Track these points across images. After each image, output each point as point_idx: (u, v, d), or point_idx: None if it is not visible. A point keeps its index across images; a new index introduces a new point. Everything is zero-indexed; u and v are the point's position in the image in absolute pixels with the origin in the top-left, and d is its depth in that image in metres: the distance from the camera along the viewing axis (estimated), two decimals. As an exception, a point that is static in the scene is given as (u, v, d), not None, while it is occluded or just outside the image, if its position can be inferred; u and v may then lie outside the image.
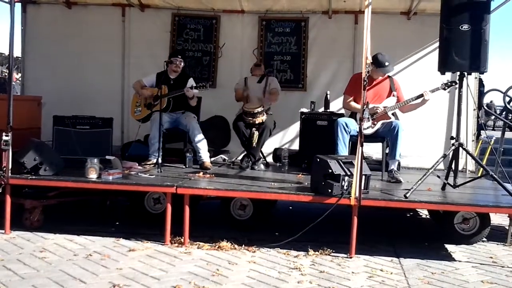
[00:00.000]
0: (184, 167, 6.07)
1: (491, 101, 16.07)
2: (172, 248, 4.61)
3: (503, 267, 4.48)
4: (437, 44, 5.14)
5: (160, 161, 5.69)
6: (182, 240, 4.71)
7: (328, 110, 6.61)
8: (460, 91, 5.01)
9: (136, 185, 4.90)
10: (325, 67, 7.35)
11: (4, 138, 4.72)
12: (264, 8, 7.38)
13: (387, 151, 5.78)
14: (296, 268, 4.18)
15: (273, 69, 7.44)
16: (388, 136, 5.68)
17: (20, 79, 8.59)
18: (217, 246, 4.63)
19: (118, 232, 5.00)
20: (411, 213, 6.53)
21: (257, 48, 7.45)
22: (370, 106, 5.38)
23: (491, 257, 4.75)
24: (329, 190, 4.50)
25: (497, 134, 7.65)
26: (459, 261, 4.60)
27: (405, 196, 4.58)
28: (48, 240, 4.71)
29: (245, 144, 6.26)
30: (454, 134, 5.08)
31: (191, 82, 6.19)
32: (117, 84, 7.50)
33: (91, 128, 6.19)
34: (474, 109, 6.88)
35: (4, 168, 4.77)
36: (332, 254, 4.55)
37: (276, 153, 6.83)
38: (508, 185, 4.90)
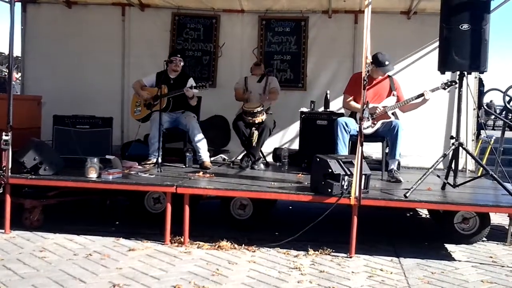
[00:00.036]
0: (184, 166, 6.07)
1: (491, 101, 16.03)
2: (172, 248, 4.60)
3: (503, 266, 4.48)
4: (437, 43, 5.14)
5: (160, 160, 5.69)
6: (182, 239, 4.71)
7: (328, 110, 6.61)
8: (460, 91, 5.01)
9: (136, 184, 4.90)
10: (325, 66, 7.34)
11: (4, 137, 4.71)
12: (264, 7, 7.38)
13: (387, 150, 5.78)
14: (296, 268, 4.17)
15: (273, 68, 7.44)
16: (388, 135, 5.68)
17: (20, 78, 8.57)
18: (217, 246, 4.63)
19: (118, 232, 5.00)
20: (411, 213, 6.53)
21: (257, 47, 7.45)
22: (370, 105, 5.37)
23: (491, 257, 4.74)
24: (329, 190, 4.50)
25: (497, 133, 7.65)
26: (459, 260, 4.60)
27: (405, 195, 4.58)
28: (48, 240, 4.71)
29: (245, 144, 6.26)
30: (454, 134, 5.08)
31: (191, 81, 6.19)
32: (117, 84, 7.50)
33: (91, 127, 6.19)
34: (474, 109, 6.88)
35: (4, 168, 4.76)
36: (332, 253, 4.55)
37: (276, 152, 6.82)
38: (508, 185, 4.90)
